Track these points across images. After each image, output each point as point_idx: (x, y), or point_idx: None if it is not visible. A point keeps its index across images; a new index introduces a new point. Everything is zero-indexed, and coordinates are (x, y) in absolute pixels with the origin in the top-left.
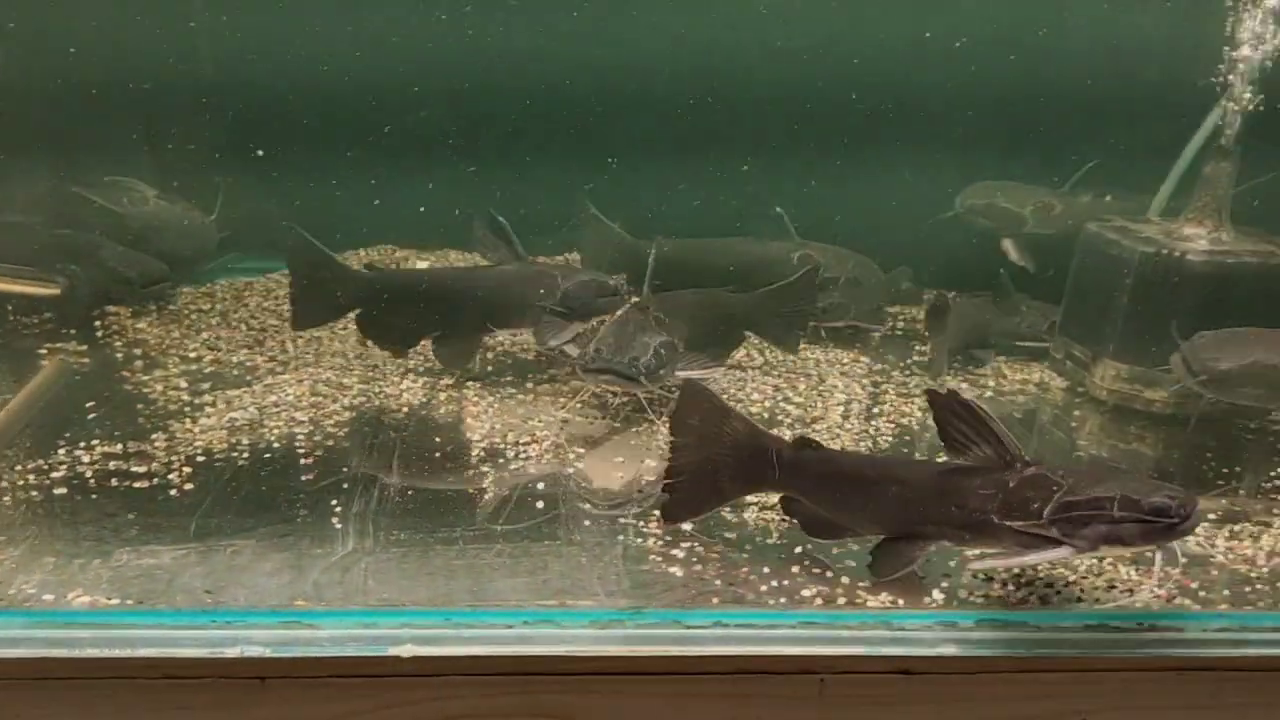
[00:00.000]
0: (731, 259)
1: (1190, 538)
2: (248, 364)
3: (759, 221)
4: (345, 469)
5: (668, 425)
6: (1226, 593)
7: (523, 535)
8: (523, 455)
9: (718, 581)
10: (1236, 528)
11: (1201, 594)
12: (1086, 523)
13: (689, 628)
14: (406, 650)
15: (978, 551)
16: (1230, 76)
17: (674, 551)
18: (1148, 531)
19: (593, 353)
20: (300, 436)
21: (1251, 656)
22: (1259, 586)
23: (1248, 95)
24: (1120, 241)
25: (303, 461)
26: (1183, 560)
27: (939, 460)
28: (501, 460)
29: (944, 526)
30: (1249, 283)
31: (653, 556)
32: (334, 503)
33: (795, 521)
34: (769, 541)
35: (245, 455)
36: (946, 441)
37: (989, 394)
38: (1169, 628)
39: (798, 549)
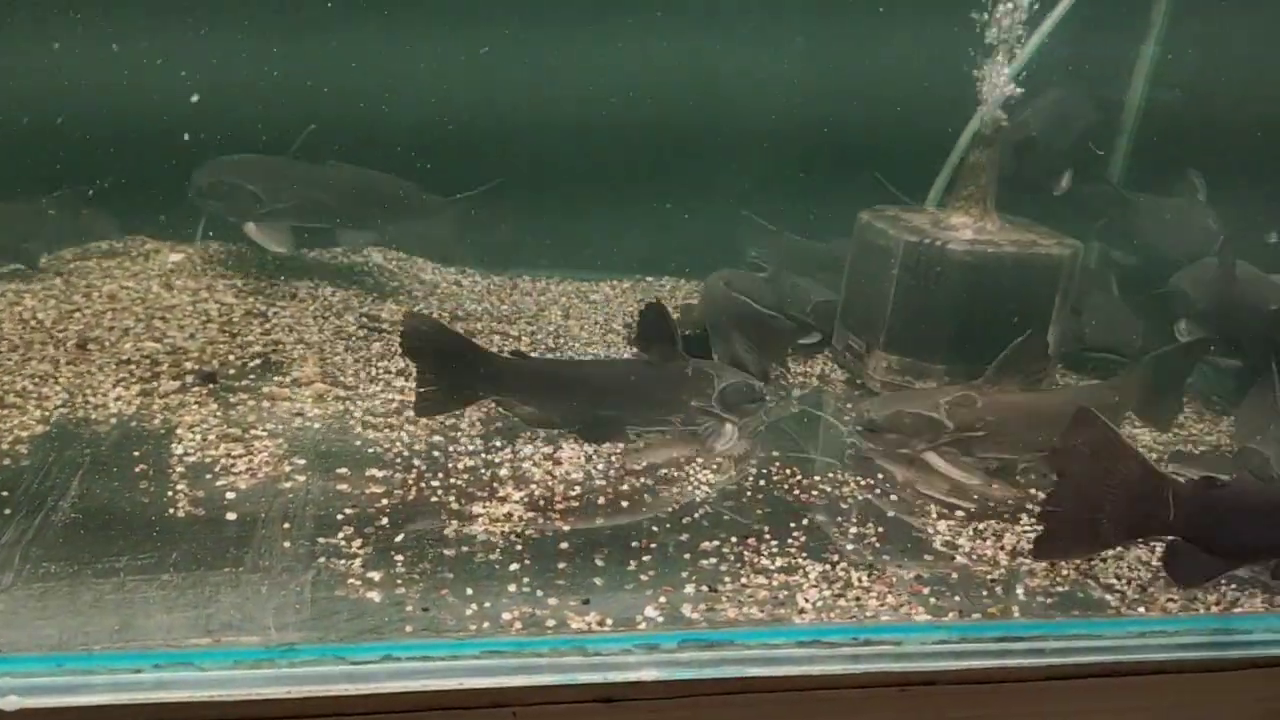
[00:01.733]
0: None
1: (936, 535)
2: None
3: None
4: (7, 492)
5: (1051, 455)
6: (958, 599)
7: (199, 563)
8: (232, 470)
9: (409, 607)
10: (981, 525)
11: (934, 601)
12: None
13: (355, 664)
14: (9, 702)
15: None
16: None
17: (372, 574)
18: None
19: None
20: None
21: (975, 669)
22: (996, 591)
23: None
24: (888, 231)
25: None
26: (926, 559)
27: None
28: (207, 476)
29: None
30: (1009, 272)
31: (351, 580)
32: None
33: (1169, 575)
34: (489, 558)
35: None
36: None
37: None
38: (888, 641)
39: (514, 566)
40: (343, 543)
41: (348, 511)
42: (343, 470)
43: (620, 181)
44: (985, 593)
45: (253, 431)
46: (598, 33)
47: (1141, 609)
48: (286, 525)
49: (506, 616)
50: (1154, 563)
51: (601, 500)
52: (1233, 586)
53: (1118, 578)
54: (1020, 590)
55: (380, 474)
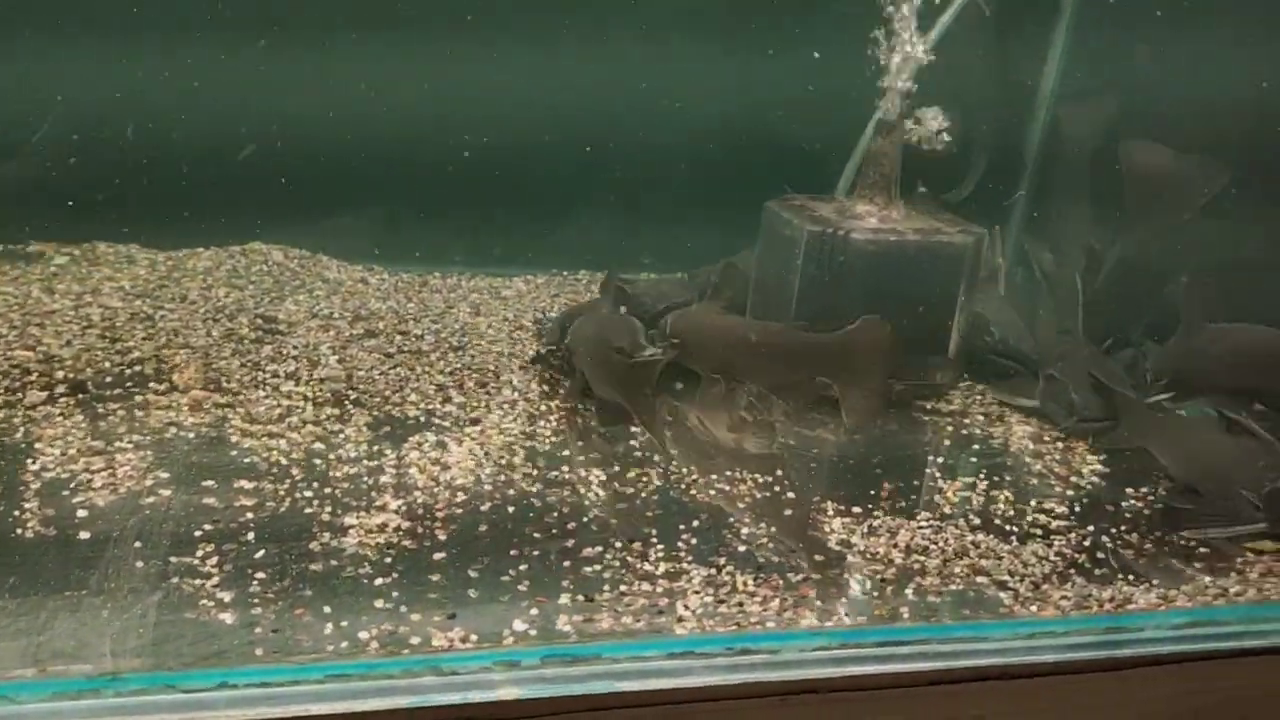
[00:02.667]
0: None
1: (831, 534)
2: None
3: None
4: None
5: None
6: (845, 601)
7: (40, 586)
8: (90, 486)
9: (259, 629)
10: (876, 522)
11: (820, 604)
12: None
13: (187, 692)
14: None
15: None
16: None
17: (225, 594)
18: None
19: None
20: None
21: (858, 675)
22: (886, 591)
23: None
24: (792, 220)
25: None
26: (817, 559)
27: None
28: (63, 493)
29: None
30: (911, 260)
31: (202, 601)
32: None
33: None
34: (357, 573)
35: None
36: None
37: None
38: (765, 649)
39: (381, 580)
40: (198, 561)
41: (208, 527)
42: (210, 483)
43: (538, 176)
44: (876, 593)
45: (119, 444)
46: (514, 28)
47: (1034, 607)
48: (139, 544)
49: (364, 635)
50: (1051, 557)
51: (486, 506)
52: (1130, 578)
53: (1011, 574)
54: (910, 590)
55: (251, 485)
